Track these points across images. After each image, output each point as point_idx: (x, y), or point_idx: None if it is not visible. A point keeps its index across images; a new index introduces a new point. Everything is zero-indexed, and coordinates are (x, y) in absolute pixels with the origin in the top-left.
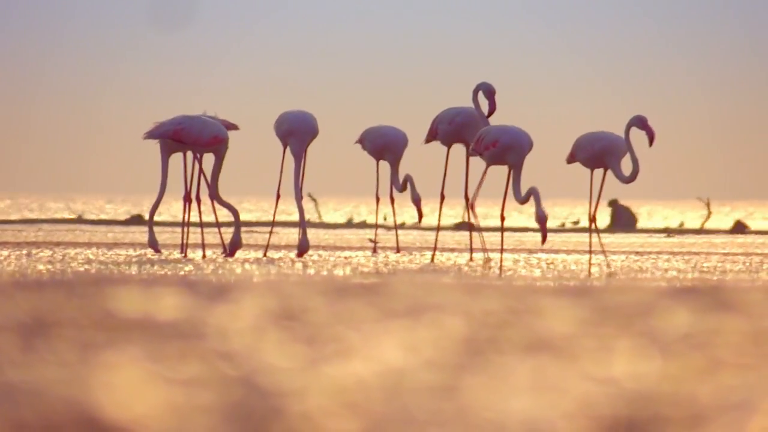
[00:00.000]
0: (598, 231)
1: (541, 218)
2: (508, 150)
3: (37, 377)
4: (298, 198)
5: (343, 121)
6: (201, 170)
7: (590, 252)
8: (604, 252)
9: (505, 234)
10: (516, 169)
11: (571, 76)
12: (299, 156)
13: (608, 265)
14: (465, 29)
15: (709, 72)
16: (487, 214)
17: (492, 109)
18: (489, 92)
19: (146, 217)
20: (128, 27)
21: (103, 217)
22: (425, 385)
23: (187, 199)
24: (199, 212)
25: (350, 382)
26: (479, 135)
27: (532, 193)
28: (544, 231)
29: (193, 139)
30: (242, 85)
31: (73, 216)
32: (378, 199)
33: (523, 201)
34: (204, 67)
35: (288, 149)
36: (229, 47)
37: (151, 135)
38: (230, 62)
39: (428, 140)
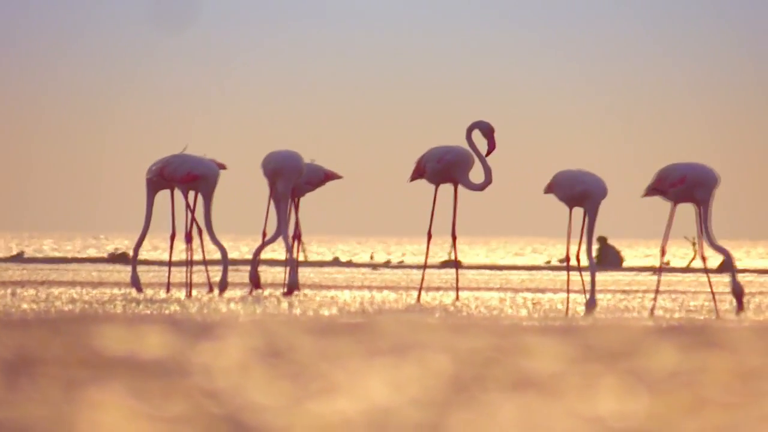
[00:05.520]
0: (568, 269)
1: (737, 291)
2: (696, 186)
3: (21, 415)
4: (285, 237)
5: (328, 161)
6: (191, 208)
7: (574, 290)
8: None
9: (491, 272)
10: (704, 205)
11: (568, 121)
12: (286, 196)
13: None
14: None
15: (697, 113)
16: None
17: (491, 148)
18: (488, 131)
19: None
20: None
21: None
22: (411, 422)
23: (173, 237)
24: (190, 250)
25: (336, 420)
26: (662, 174)
27: (725, 255)
28: (740, 302)
29: (170, 176)
30: (227, 126)
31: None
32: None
33: (714, 247)
34: (192, 108)
35: (275, 188)
36: (215, 87)
37: (149, 173)
38: (216, 102)
39: (413, 178)
